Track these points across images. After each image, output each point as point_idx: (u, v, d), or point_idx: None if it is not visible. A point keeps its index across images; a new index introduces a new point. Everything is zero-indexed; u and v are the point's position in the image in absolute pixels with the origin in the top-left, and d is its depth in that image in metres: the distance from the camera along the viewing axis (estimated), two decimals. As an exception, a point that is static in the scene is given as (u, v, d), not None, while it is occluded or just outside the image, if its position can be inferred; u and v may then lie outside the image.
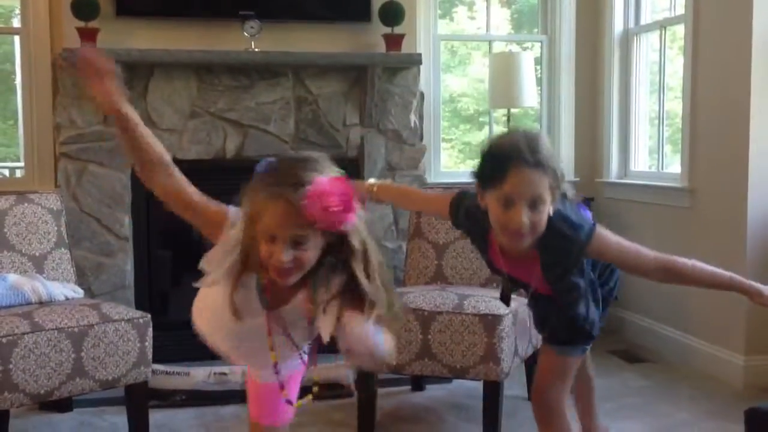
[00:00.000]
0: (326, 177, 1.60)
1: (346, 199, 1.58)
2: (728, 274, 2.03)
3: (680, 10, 4.18)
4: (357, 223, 1.63)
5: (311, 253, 1.63)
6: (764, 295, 1.95)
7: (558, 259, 2.03)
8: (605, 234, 2.04)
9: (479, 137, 5.25)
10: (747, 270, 3.56)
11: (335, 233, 1.62)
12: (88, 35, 3.85)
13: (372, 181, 2.46)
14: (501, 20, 5.24)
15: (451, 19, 5.18)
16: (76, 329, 2.88)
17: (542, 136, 1.96)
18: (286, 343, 1.85)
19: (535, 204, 1.87)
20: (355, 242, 1.64)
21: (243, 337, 1.83)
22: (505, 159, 1.87)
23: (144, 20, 4.02)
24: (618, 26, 4.67)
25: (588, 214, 2.20)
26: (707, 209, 3.85)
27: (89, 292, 3.77)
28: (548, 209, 1.91)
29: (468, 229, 2.19)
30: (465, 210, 2.12)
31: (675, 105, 4.40)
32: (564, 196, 2.00)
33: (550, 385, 2.30)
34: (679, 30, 4.23)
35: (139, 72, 3.95)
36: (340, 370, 3.46)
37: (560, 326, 2.23)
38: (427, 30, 4.58)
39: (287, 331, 1.82)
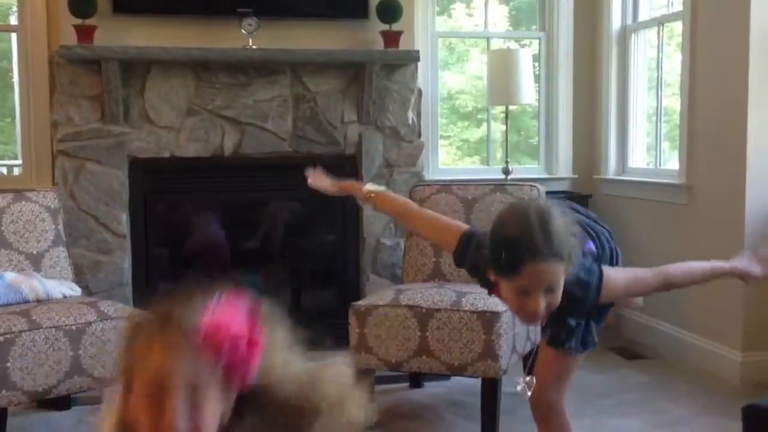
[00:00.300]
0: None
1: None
2: (709, 265, 2.08)
3: (678, 6, 4.18)
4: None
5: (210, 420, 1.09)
6: (752, 273, 2.02)
7: (569, 314, 2.08)
8: (612, 278, 2.01)
9: (477, 134, 5.25)
10: (745, 266, 3.56)
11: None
12: (85, 33, 3.84)
13: (369, 187, 2.38)
14: (499, 17, 5.24)
15: (450, 16, 5.17)
16: (73, 327, 2.88)
17: (553, 214, 1.82)
18: None
19: (551, 289, 1.83)
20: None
21: None
22: (519, 254, 1.78)
23: (141, 18, 4.01)
24: (615, 23, 4.67)
25: (591, 246, 2.14)
26: (705, 206, 3.85)
27: (87, 290, 3.77)
28: (562, 286, 1.86)
29: (471, 274, 2.12)
30: (471, 263, 2.05)
31: (673, 102, 4.40)
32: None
33: (549, 384, 2.29)
34: (677, 27, 4.23)
35: (136, 69, 3.95)
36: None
37: (560, 332, 2.23)
38: (425, 27, 4.57)
39: None
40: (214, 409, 1.08)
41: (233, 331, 1.08)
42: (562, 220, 1.83)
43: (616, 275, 2.05)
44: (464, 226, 2.17)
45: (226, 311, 1.10)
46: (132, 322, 1.15)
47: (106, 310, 3.04)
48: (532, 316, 1.88)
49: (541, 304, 1.82)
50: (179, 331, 1.08)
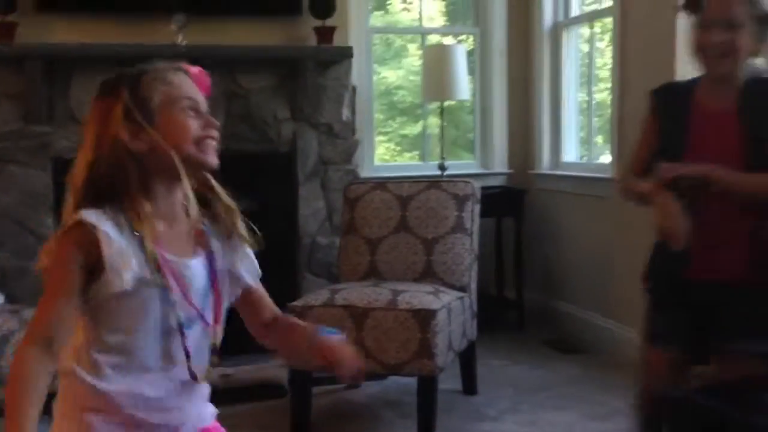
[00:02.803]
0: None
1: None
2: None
3: (608, 2, 4.23)
4: None
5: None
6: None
7: (760, 99, 1.98)
8: None
9: (416, 129, 5.24)
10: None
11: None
12: (6, 30, 3.70)
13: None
14: (436, 12, 5.24)
15: (387, 11, 5.15)
16: (-5, 336, 2.77)
17: None
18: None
19: (730, 25, 1.92)
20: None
21: None
22: None
23: (66, 14, 3.88)
24: (548, 19, 4.71)
25: None
26: (636, 199, 3.89)
27: (11, 298, 3.64)
28: (747, 36, 1.93)
29: (670, 108, 2.11)
30: (662, 100, 2.15)
31: (606, 96, 4.46)
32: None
33: None
34: (610, 22, 4.28)
35: (60, 68, 3.82)
36: (274, 370, 3.42)
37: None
38: (360, 22, 4.53)
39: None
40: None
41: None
42: None
43: None
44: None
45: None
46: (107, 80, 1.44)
47: (29, 318, 2.94)
48: (709, 48, 1.95)
49: (717, 37, 1.92)
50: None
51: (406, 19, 5.17)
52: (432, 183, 3.55)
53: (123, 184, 1.37)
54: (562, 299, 4.55)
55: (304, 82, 4.07)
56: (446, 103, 4.58)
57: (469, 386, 3.45)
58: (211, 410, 1.56)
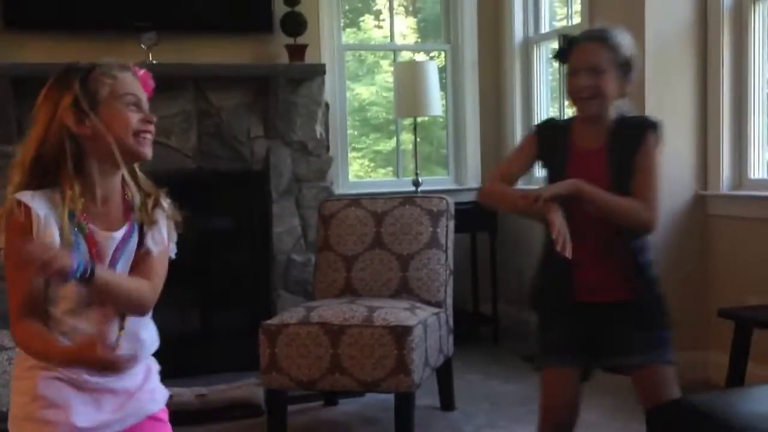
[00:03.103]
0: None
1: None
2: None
3: (577, 18, 4.28)
4: None
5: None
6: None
7: (624, 137, 2.18)
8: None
9: (390, 145, 5.25)
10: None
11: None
12: (-27, 49, 3.67)
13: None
14: (407, 29, 5.26)
15: (359, 28, 5.17)
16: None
17: (621, 30, 2.22)
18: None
19: (595, 71, 2.13)
20: None
21: None
22: (575, 37, 2.24)
23: (35, 33, 3.87)
24: (518, 34, 4.75)
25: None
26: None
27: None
28: (611, 80, 2.14)
29: (549, 144, 2.27)
30: (543, 135, 2.30)
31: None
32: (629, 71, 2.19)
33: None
34: (577, 38, 4.33)
35: (29, 87, 3.74)
36: (250, 389, 3.39)
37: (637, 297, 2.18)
38: (331, 40, 4.54)
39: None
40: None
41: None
42: (627, 35, 2.21)
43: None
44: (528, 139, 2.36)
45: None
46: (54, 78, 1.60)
47: (1, 342, 2.89)
48: (581, 92, 2.15)
49: (584, 81, 2.13)
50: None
51: (378, 35, 5.19)
52: (406, 199, 3.56)
53: (63, 164, 1.55)
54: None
55: (277, 99, 4.07)
56: (419, 119, 4.59)
57: (447, 402, 3.44)
58: (163, 393, 1.72)
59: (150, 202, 1.65)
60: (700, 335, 3.72)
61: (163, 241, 1.69)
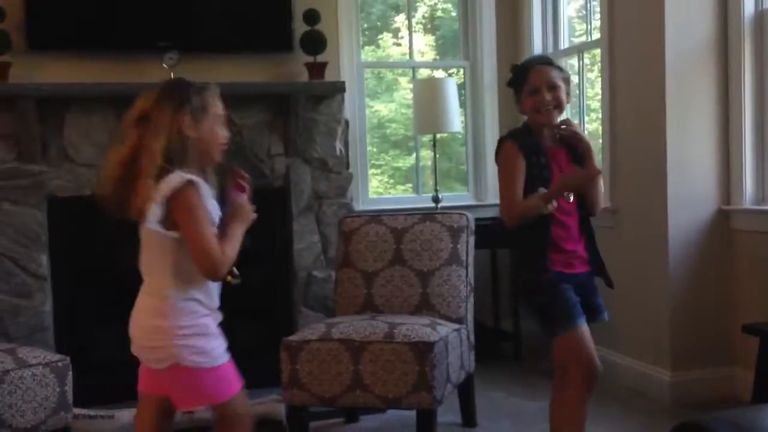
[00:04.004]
0: None
1: None
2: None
3: (597, 34, 4.28)
4: None
5: None
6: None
7: (562, 136, 2.67)
8: None
9: (409, 162, 5.26)
10: (670, 287, 3.63)
11: None
12: (-1, 70, 3.73)
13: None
14: (425, 46, 5.29)
15: (378, 46, 5.20)
16: (-11, 377, 2.76)
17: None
18: None
19: (552, 87, 2.59)
20: None
21: None
22: (525, 64, 2.72)
23: (58, 54, 3.91)
24: (537, 51, 4.75)
25: None
26: (630, 228, 3.91)
27: (6, 336, 3.62)
28: (563, 93, 2.62)
29: (529, 149, 2.60)
30: (522, 144, 2.62)
31: (598, 126, 4.49)
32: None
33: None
34: (599, 54, 4.33)
35: (53, 107, 3.83)
36: (272, 405, 3.39)
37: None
38: (350, 57, 4.57)
39: None
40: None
41: None
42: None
43: None
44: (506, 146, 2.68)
45: None
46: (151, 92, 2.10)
47: (24, 357, 2.92)
48: (545, 107, 2.59)
49: (548, 96, 2.58)
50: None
51: (396, 53, 5.22)
52: (426, 215, 3.56)
53: (185, 153, 2.03)
54: (558, 329, 4.54)
55: (297, 117, 4.10)
56: (438, 136, 4.60)
57: (468, 419, 3.42)
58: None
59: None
60: (725, 351, 3.68)
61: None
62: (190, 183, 1.98)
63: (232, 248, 2.08)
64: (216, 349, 2.10)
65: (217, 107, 2.11)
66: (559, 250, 2.60)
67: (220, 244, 2.04)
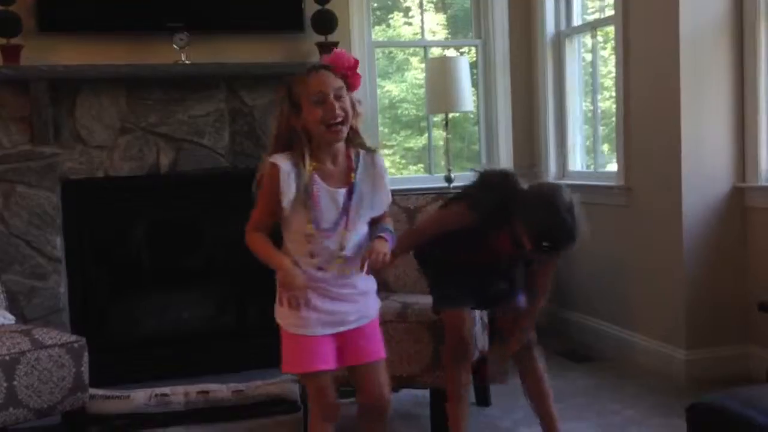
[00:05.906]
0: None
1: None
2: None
3: (610, 11, 4.24)
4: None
5: (348, 104, 2.15)
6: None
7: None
8: None
9: (421, 142, 5.25)
10: (684, 265, 3.62)
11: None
12: (11, 53, 3.73)
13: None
14: (437, 25, 5.25)
15: (388, 26, 5.17)
16: (7, 357, 2.78)
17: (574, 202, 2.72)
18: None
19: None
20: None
21: None
22: (558, 243, 2.57)
23: (69, 35, 3.91)
24: (549, 28, 4.72)
25: None
26: (644, 206, 3.90)
27: (22, 318, 3.65)
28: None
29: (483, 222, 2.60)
30: (489, 218, 2.60)
31: (611, 105, 4.46)
32: None
33: None
34: (612, 31, 4.28)
35: (65, 89, 3.84)
36: (286, 385, 3.40)
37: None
38: (361, 37, 4.55)
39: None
40: (350, 102, 2.16)
41: (346, 62, 2.16)
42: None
43: None
44: (463, 209, 2.65)
45: (340, 54, 2.19)
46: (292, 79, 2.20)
47: (41, 338, 2.94)
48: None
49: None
50: (321, 66, 2.19)
51: (407, 32, 5.19)
52: (439, 195, 3.55)
53: (297, 140, 2.14)
54: (573, 309, 4.54)
55: (309, 97, 4.08)
56: (450, 115, 4.58)
57: (483, 397, 3.43)
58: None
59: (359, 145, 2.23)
60: (740, 329, 3.67)
61: (384, 197, 2.33)
62: (271, 165, 2.13)
63: (257, 247, 2.19)
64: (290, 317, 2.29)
65: (308, 89, 2.11)
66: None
67: (254, 234, 2.19)
